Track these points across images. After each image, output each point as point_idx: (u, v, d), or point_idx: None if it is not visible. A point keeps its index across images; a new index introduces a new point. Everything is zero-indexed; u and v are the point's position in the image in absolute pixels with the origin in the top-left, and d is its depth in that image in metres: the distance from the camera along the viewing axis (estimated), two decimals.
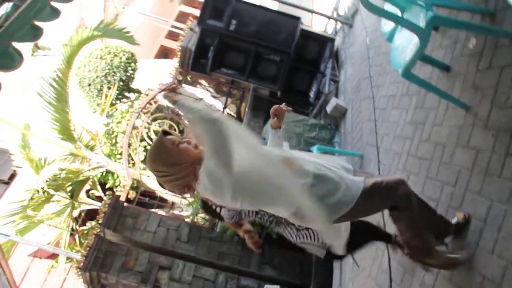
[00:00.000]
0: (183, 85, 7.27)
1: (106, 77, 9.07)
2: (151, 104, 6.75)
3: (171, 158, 1.83)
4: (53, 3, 2.16)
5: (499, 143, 2.18)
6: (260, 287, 4.88)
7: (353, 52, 6.53)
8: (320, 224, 1.93)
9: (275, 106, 2.19)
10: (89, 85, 9.14)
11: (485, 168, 2.24)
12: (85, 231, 7.08)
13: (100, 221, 5.15)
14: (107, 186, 7.82)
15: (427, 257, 2.19)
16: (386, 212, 2.08)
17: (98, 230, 5.11)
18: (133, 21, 11.60)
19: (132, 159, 6.92)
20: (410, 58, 2.43)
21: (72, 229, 7.02)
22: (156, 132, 7.08)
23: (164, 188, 2.52)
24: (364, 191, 1.91)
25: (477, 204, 2.23)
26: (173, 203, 7.80)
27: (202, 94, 9.46)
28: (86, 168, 7.26)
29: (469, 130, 2.49)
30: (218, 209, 2.74)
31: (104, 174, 7.82)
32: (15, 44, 2.05)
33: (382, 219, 3.21)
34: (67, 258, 7.01)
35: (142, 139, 6.81)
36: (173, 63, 8.28)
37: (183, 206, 6.92)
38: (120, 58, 9.33)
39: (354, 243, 2.80)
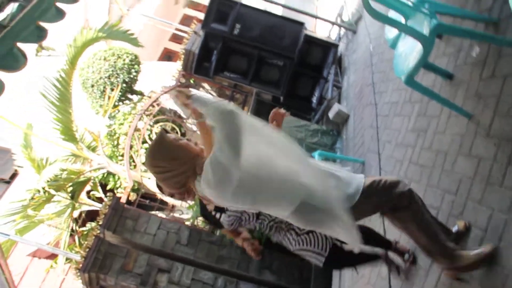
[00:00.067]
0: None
1: (109, 78, 9.09)
2: (153, 106, 6.76)
3: (171, 153, 1.83)
4: (58, 4, 2.17)
5: (501, 152, 2.18)
6: None
7: (356, 58, 6.54)
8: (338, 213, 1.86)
9: (274, 110, 2.20)
10: (92, 86, 9.16)
11: (487, 177, 2.23)
12: (85, 232, 7.07)
13: (100, 222, 5.15)
14: (108, 187, 7.82)
15: (452, 261, 2.07)
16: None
17: (98, 231, 5.11)
18: (137, 23, 11.64)
19: (134, 161, 6.93)
20: (413, 65, 2.43)
21: (72, 230, 7.02)
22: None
23: (163, 192, 2.47)
24: (364, 189, 1.93)
25: (478, 213, 2.22)
26: (173, 206, 7.78)
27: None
28: (87, 169, 7.26)
29: (471, 138, 2.49)
30: (217, 215, 2.63)
31: (105, 176, 7.82)
32: (20, 45, 2.06)
33: (382, 225, 3.21)
34: (66, 259, 7.00)
35: (144, 141, 6.81)
36: (177, 66, 8.30)
37: (184, 209, 6.91)
38: (124, 60, 9.35)
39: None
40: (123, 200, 5.70)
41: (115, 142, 8.04)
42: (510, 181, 2.06)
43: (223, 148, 1.65)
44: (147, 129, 6.91)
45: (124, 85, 9.20)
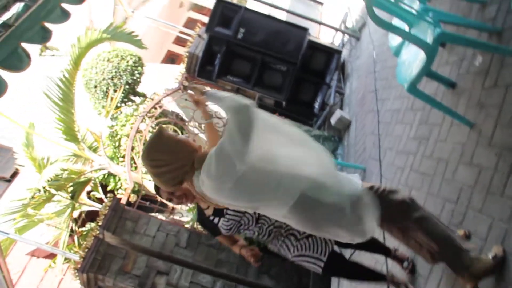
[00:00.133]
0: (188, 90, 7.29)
1: (112, 79, 9.11)
2: (156, 108, 6.77)
3: (169, 146, 1.84)
4: (63, 5, 2.19)
5: (502, 162, 2.18)
6: None
7: (359, 65, 6.55)
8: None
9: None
10: (95, 87, 9.18)
11: (487, 186, 2.23)
12: (84, 233, 7.08)
13: (100, 223, 5.15)
14: (109, 188, 7.82)
15: (472, 265, 1.97)
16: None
17: (98, 232, 5.11)
18: (142, 25, 11.67)
19: (135, 163, 6.93)
20: (416, 73, 2.43)
21: (72, 230, 7.02)
22: None
23: (161, 196, 2.45)
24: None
25: (478, 222, 2.22)
26: (173, 208, 7.78)
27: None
28: (88, 169, 7.27)
29: (473, 147, 2.49)
30: (215, 220, 2.59)
31: (106, 176, 7.83)
32: (24, 46, 2.07)
33: (382, 232, 3.20)
34: (65, 259, 6.99)
35: (146, 143, 6.81)
36: (180, 69, 8.31)
37: (184, 211, 6.90)
38: (127, 61, 9.37)
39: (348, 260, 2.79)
40: (123, 201, 5.69)
41: (117, 143, 8.05)
42: (511, 191, 2.05)
43: (234, 138, 1.65)
44: (149, 131, 6.92)
45: (127, 86, 9.21)
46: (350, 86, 6.70)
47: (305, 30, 6.34)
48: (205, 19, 9.89)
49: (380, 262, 3.27)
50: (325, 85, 6.46)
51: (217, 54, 6.34)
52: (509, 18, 2.49)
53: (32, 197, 6.85)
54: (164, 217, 6.69)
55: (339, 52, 6.61)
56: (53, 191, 6.78)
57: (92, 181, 7.56)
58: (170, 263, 5.00)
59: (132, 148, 6.51)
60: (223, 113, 6.62)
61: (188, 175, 1.85)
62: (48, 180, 6.94)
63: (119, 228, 5.20)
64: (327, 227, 1.88)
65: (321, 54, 6.51)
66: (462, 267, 1.98)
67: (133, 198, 6.27)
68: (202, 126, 6.91)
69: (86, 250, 4.89)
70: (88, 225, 7.26)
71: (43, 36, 2.12)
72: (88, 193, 7.67)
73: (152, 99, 7.04)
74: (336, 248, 2.72)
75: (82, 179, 7.25)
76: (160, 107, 6.79)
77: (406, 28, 2.70)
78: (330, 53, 6.53)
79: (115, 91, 8.69)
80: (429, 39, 2.36)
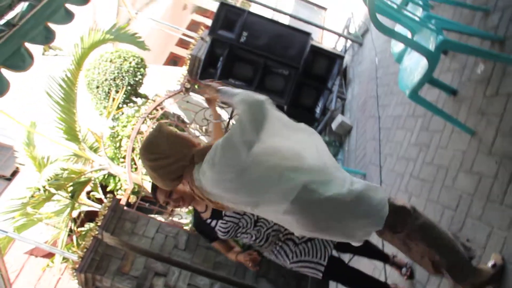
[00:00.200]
0: (190, 93, 7.31)
1: (114, 80, 9.13)
2: (157, 110, 6.78)
3: (168, 139, 1.82)
4: (68, 6, 2.19)
5: (502, 170, 2.18)
6: None
7: (361, 70, 6.56)
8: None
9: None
10: (97, 87, 9.19)
11: (487, 194, 2.23)
12: (83, 232, 7.07)
13: (99, 223, 5.15)
14: (108, 189, 7.83)
15: (475, 275, 1.96)
16: None
17: (96, 232, 5.11)
18: (145, 27, 11.70)
19: (135, 164, 6.94)
20: (418, 80, 2.44)
21: (70, 230, 7.02)
22: None
23: (158, 200, 2.42)
24: None
25: (477, 229, 2.22)
26: (172, 210, 7.78)
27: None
28: (88, 169, 7.27)
29: (473, 155, 2.49)
30: (213, 223, 2.54)
31: (106, 177, 7.84)
32: (27, 46, 2.07)
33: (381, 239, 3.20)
34: (63, 258, 6.99)
35: None
36: (182, 71, 8.33)
37: (183, 213, 6.91)
38: (130, 62, 9.39)
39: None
40: (123, 202, 5.70)
41: (118, 144, 8.06)
42: (510, 199, 2.05)
43: (244, 128, 1.64)
44: None
45: (129, 87, 9.23)
46: (351, 91, 6.71)
47: (307, 34, 6.34)
48: (208, 22, 9.92)
49: (378, 268, 3.27)
50: (327, 90, 6.46)
51: (219, 57, 6.34)
52: (511, 26, 2.50)
53: (32, 196, 6.86)
54: (163, 219, 6.69)
55: (341, 57, 6.62)
56: (52, 190, 6.78)
57: (92, 181, 7.57)
58: (168, 265, 4.99)
59: (133, 149, 6.52)
60: (226, 116, 6.63)
61: (188, 169, 1.83)
62: (48, 180, 6.95)
63: (118, 229, 5.20)
64: (328, 222, 1.83)
65: (324, 59, 6.51)
66: (463, 276, 1.96)
67: (132, 199, 6.28)
68: (204, 128, 6.93)
69: (85, 250, 4.89)
70: (87, 225, 7.26)
71: (47, 37, 2.12)
72: (88, 193, 7.67)
73: (154, 101, 7.05)
74: (334, 252, 2.71)
75: (82, 179, 7.25)
76: (162, 108, 6.81)
77: (409, 35, 2.70)
78: (333, 58, 6.53)
79: (117, 92, 8.71)
80: (431, 46, 2.36)
